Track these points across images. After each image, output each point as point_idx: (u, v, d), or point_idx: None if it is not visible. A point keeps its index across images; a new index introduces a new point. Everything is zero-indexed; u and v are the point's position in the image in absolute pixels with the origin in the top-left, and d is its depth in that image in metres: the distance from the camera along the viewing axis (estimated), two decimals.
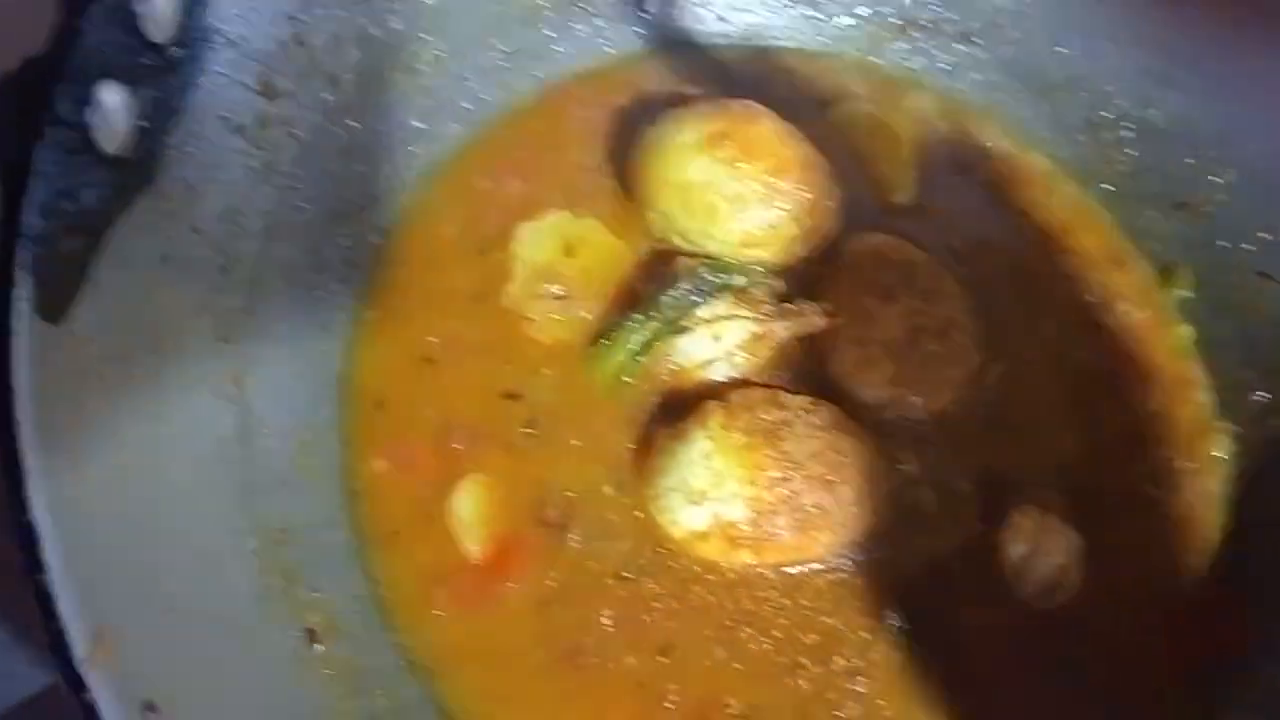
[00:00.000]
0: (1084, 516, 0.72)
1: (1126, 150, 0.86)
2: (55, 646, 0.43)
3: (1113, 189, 0.87)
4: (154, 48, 0.58)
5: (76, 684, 0.42)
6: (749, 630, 0.67)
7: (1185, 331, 0.81)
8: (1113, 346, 0.79)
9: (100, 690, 0.43)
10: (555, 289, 0.75)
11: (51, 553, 0.44)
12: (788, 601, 0.68)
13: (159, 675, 0.47)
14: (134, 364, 0.55)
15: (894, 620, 0.68)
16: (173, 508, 0.55)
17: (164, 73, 0.59)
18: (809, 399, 0.70)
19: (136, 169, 0.57)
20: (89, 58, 0.54)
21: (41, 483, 0.45)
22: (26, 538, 0.44)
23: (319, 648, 0.60)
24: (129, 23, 0.56)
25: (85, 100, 0.54)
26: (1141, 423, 0.77)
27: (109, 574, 0.47)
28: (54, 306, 0.50)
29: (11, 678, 0.69)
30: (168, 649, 0.49)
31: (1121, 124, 0.86)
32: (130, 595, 0.48)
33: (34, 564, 0.44)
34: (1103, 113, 0.87)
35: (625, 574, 0.68)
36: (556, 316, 0.74)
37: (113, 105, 0.55)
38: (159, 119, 0.59)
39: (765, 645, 0.67)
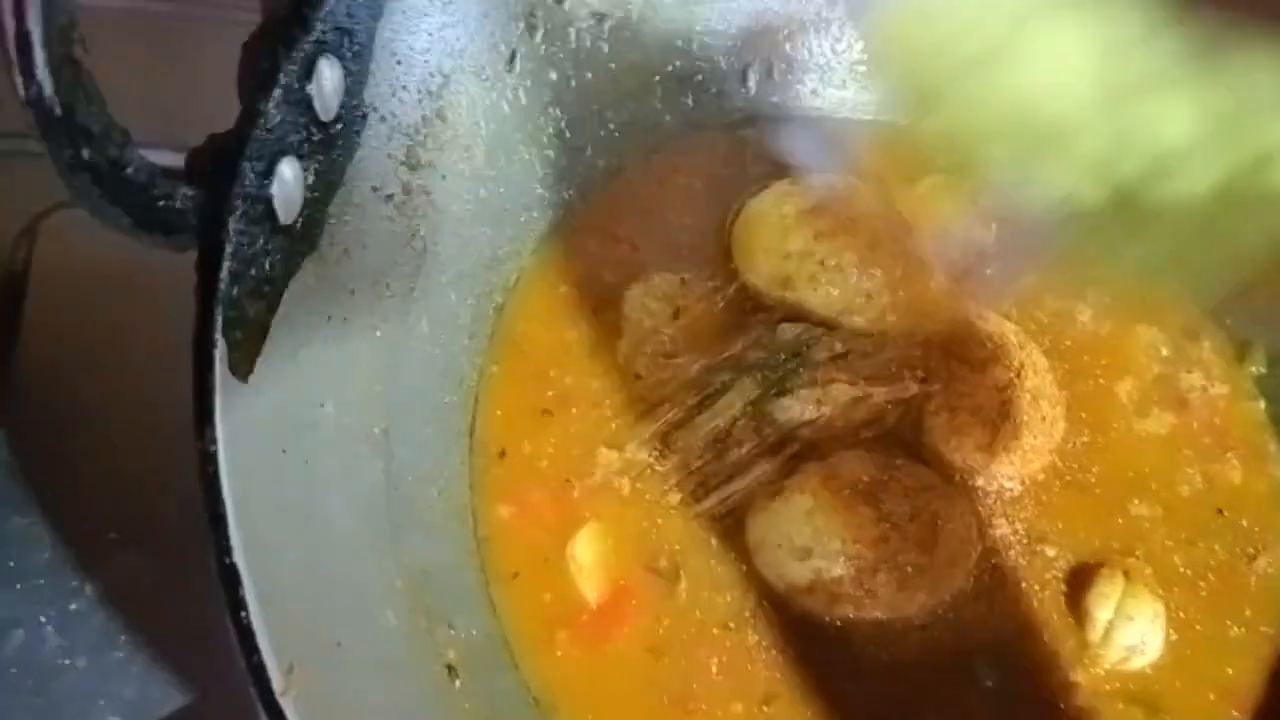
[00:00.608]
0: (1165, 582, 0.76)
1: None
2: (256, 680, 0.47)
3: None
4: (321, 125, 0.63)
5: (276, 715, 0.47)
6: (848, 683, 0.71)
7: (1260, 406, 0.85)
8: (1191, 419, 0.83)
9: None
10: (663, 348, 0.79)
11: (249, 592, 0.49)
12: (884, 656, 0.71)
13: (334, 709, 0.51)
14: (302, 416, 0.60)
15: (984, 678, 0.72)
16: (336, 549, 0.59)
17: (328, 147, 0.64)
18: (906, 461, 0.75)
19: (304, 237, 0.62)
20: (271, 136, 0.59)
21: (239, 531, 0.50)
22: (230, 578, 0.49)
23: (458, 683, 0.65)
24: (303, 103, 0.61)
25: (267, 175, 0.59)
26: (1220, 494, 0.80)
27: (292, 612, 0.52)
28: (243, 366, 0.55)
29: (153, 698, 0.74)
30: (338, 684, 0.53)
31: None
32: (306, 634, 0.53)
33: (237, 603, 0.48)
34: None
35: (730, 624, 0.71)
36: (665, 375, 0.79)
37: (290, 179, 0.60)
38: (322, 190, 0.64)
39: (862, 698, 0.70)
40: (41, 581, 0.79)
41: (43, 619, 0.77)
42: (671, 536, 0.74)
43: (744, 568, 0.73)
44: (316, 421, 0.62)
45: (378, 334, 0.69)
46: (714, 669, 0.70)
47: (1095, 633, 0.73)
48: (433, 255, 0.74)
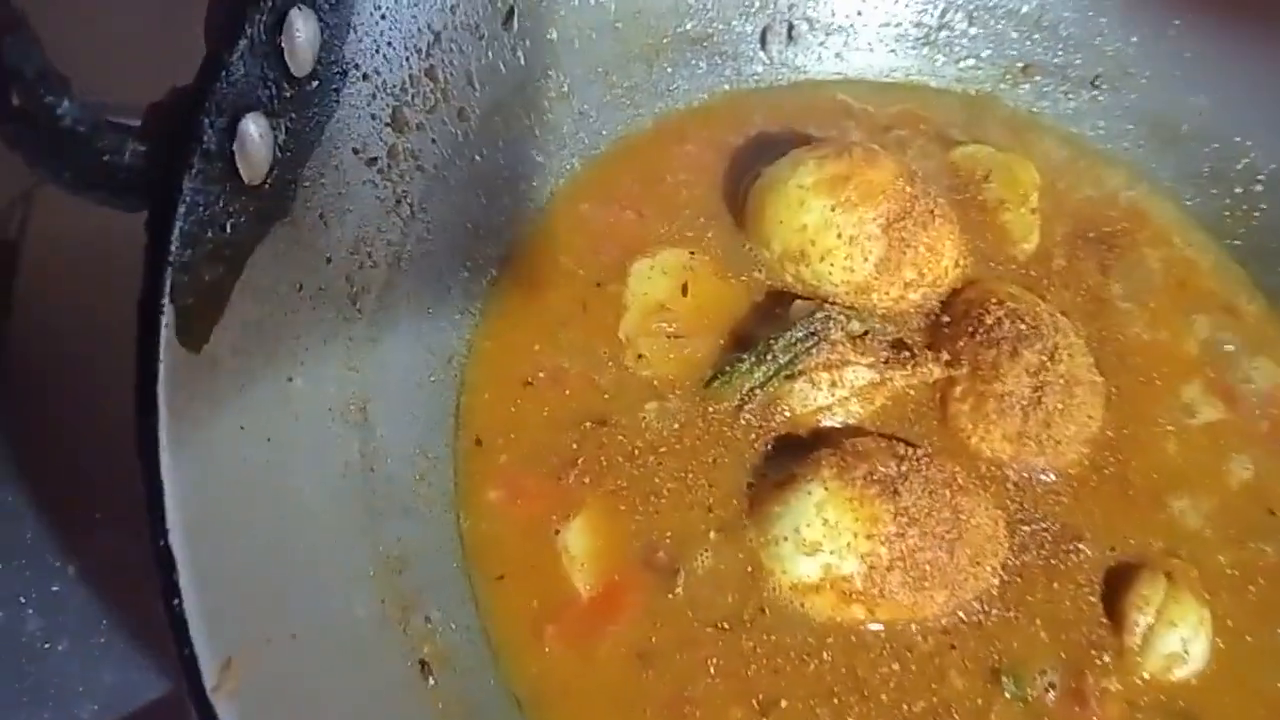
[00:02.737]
0: (1211, 586, 0.70)
1: (1259, 205, 0.84)
2: (188, 672, 0.43)
3: (1241, 242, 0.85)
4: (294, 80, 0.59)
5: (206, 712, 0.43)
6: (855, 695, 0.65)
7: None
8: (1243, 410, 0.77)
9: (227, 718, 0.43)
10: (669, 326, 0.75)
11: (185, 578, 0.45)
12: (897, 665, 0.66)
13: (284, 702, 0.48)
14: (266, 390, 0.56)
15: (1009, 688, 0.66)
16: (301, 532, 0.56)
17: (302, 105, 0.60)
18: (926, 452, 0.69)
19: (274, 199, 0.58)
20: (235, 90, 0.55)
21: (178, 508, 0.46)
22: (165, 562, 0.45)
23: (432, 681, 0.60)
24: (273, 56, 0.57)
25: (230, 132, 0.55)
26: (1272, 492, 0.74)
27: (241, 598, 0.48)
28: (195, 334, 0.51)
29: (133, 684, 0.72)
30: (293, 676, 0.50)
31: (1254, 177, 0.84)
32: (260, 620, 0.49)
33: (170, 589, 0.44)
34: (1235, 165, 0.85)
35: (729, 624, 0.66)
36: (670, 354, 0.74)
37: (255, 137, 0.56)
38: (296, 150, 0.60)
39: (871, 710, 0.65)
40: (23, 561, 0.77)
41: (23, 600, 0.75)
42: (670, 529, 0.69)
43: (747, 563, 0.68)
44: (284, 397, 0.58)
45: (357, 305, 0.65)
46: (711, 672, 0.65)
47: (1134, 639, 0.68)
48: (420, 223, 0.70)
